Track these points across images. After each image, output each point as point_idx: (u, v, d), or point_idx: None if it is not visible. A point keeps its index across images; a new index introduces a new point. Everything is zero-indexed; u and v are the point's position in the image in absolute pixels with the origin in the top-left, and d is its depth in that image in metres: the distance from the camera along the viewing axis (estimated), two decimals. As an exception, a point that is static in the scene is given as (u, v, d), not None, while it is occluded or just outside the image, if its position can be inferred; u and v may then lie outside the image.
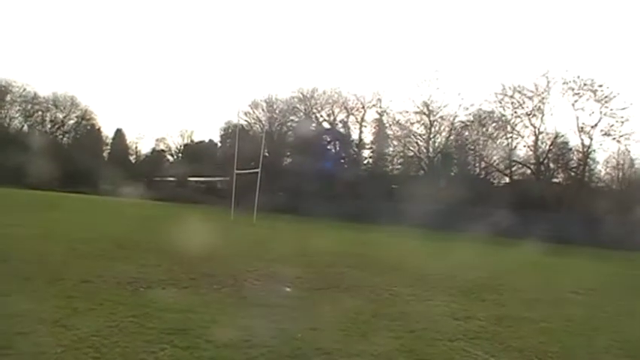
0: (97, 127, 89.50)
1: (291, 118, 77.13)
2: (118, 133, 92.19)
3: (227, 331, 9.11)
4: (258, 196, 47.63)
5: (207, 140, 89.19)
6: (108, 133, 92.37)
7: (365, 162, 73.34)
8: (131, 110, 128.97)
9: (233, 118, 78.99)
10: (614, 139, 55.81)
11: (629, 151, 56.85)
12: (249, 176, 52.32)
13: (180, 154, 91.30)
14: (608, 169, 60.76)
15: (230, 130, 75.38)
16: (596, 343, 10.61)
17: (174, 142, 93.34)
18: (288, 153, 75.68)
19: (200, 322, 9.43)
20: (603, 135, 55.92)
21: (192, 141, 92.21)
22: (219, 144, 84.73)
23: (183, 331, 8.79)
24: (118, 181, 78.96)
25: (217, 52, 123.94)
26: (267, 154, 64.64)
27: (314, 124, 75.21)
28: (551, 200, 53.72)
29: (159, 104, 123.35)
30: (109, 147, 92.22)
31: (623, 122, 54.33)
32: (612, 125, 54.97)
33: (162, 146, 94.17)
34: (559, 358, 9.26)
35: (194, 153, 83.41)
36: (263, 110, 78.33)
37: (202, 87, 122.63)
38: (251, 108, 77.74)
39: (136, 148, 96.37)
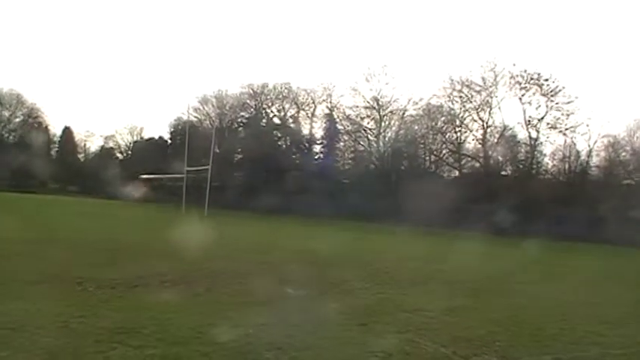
0: (44, 126, 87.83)
1: (242, 113, 76.86)
2: (66, 131, 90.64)
3: (178, 328, 9.10)
4: (209, 192, 47.46)
5: (157, 137, 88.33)
6: (56, 131, 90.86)
7: (316, 157, 73.41)
8: (79, 108, 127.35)
9: (183, 114, 78.50)
10: (560, 131, 57.01)
11: (574, 144, 57.93)
12: (201, 173, 52.18)
13: (129, 152, 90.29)
14: (555, 162, 61.87)
15: (180, 127, 74.79)
16: (541, 332, 10.83)
17: (124, 139, 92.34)
18: (239, 149, 75.38)
19: (151, 321, 9.38)
20: (550, 128, 57.09)
21: (141, 138, 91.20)
22: (169, 141, 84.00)
23: (133, 330, 8.74)
24: (66, 179, 78.02)
25: (165, 46, 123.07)
26: (217, 151, 64.39)
27: (264, 120, 75.09)
28: (500, 192, 54.40)
29: (107, 101, 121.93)
30: (56, 145, 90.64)
31: (568, 115, 55.53)
32: (558, 118, 56.17)
33: (111, 144, 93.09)
34: (506, 347, 9.43)
35: (144, 150, 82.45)
36: (213, 106, 78.00)
37: (151, 83, 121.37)
38: (201, 104, 77.44)
39: (85, 146, 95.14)
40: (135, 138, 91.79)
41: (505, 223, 42.46)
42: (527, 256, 28.95)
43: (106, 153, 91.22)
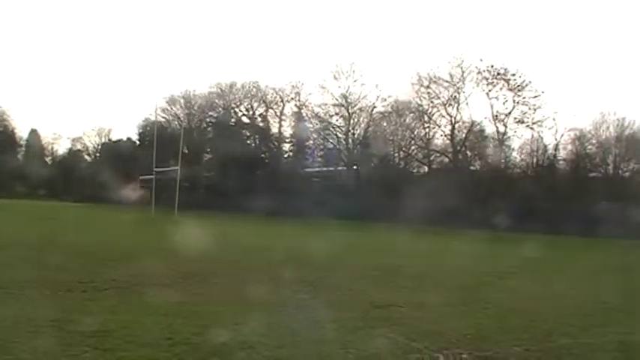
0: (10, 128, 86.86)
1: (210, 113, 76.71)
2: (33, 133, 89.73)
3: (148, 330, 9.06)
4: (178, 193, 47.29)
5: (125, 139, 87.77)
6: (22, 134, 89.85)
7: (285, 156, 73.47)
8: (45, 110, 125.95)
9: (151, 115, 78.10)
10: (527, 126, 57.62)
11: (542, 138, 58.54)
12: (170, 174, 51.96)
13: (98, 154, 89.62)
14: (522, 156, 62.51)
15: (148, 128, 74.41)
16: (511, 324, 10.95)
17: (92, 141, 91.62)
18: (208, 149, 75.20)
19: (121, 324, 9.31)
20: (517, 122, 57.69)
21: (110, 140, 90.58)
22: (137, 142, 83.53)
23: (104, 333, 8.68)
24: (35, 184, 77.22)
25: (131, 47, 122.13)
26: (186, 151, 64.17)
27: (233, 119, 74.95)
28: (470, 187, 54.84)
29: (74, 103, 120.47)
30: (23, 148, 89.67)
31: (535, 110, 56.15)
32: (525, 113, 56.79)
33: (79, 146, 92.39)
34: (475, 339, 9.52)
35: (112, 152, 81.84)
36: (181, 106, 77.64)
37: (118, 84, 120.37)
38: (168, 104, 77.00)
39: (52, 148, 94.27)
40: (103, 140, 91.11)
41: (484, 219, 42.87)
42: (498, 250, 29.20)
43: (74, 155, 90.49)
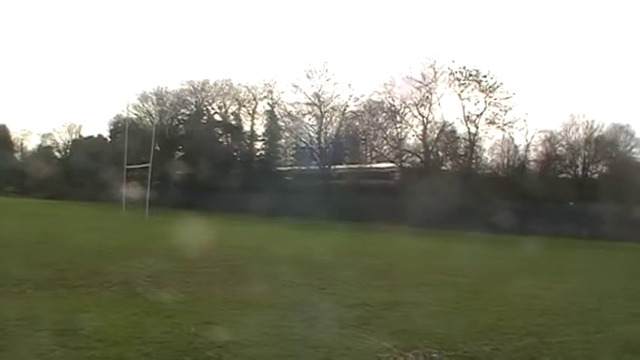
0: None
1: (182, 110, 76.46)
2: (2, 129, 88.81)
3: (119, 329, 9.00)
4: (149, 191, 47.03)
5: (96, 135, 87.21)
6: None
7: (258, 154, 73.38)
8: (15, 105, 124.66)
9: (122, 111, 77.65)
10: (498, 127, 58.05)
11: (512, 139, 59.03)
12: (141, 171, 51.67)
13: (68, 150, 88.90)
14: (494, 156, 63.04)
15: (120, 125, 74.09)
16: (480, 323, 11.04)
17: (62, 137, 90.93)
18: (180, 147, 74.94)
19: (91, 322, 9.25)
20: (488, 123, 58.09)
21: (80, 136, 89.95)
22: (109, 139, 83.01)
23: (73, 332, 8.62)
24: (2, 179, 76.37)
25: (104, 42, 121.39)
26: (158, 148, 63.85)
27: (205, 117, 74.74)
28: (441, 187, 55.17)
29: (44, 99, 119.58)
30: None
31: (506, 111, 56.58)
32: (496, 114, 57.18)
33: (49, 142, 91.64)
34: (446, 338, 9.58)
35: (83, 149, 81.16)
36: (153, 103, 77.34)
37: (89, 80, 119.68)
38: (140, 101, 76.70)
39: (22, 144, 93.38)
40: (74, 136, 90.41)
41: (455, 219, 43.13)
42: (468, 249, 29.35)
43: (44, 152, 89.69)
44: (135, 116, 76.05)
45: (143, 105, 77.17)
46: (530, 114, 59.09)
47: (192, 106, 75.38)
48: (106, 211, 48.88)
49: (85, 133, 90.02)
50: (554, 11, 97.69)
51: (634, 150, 64.55)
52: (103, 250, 19.26)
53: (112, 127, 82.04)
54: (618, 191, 45.54)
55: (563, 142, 62.21)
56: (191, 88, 74.67)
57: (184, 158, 71.79)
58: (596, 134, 62.76)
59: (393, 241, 31.16)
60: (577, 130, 62.92)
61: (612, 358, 9.29)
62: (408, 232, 36.89)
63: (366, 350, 8.81)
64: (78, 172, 69.19)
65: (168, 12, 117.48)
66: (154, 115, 76.30)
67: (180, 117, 76.89)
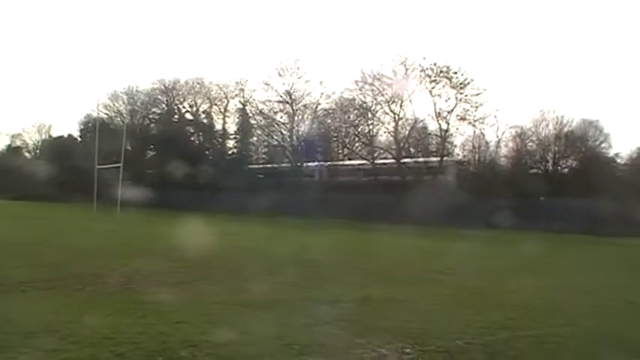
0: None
1: (153, 109, 76.21)
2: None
3: (92, 330, 8.95)
4: (121, 190, 46.76)
5: (66, 135, 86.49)
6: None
7: (230, 152, 73.25)
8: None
9: (93, 111, 77.16)
10: (469, 123, 58.39)
11: (483, 135, 59.40)
12: (113, 171, 51.38)
13: (38, 151, 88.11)
14: (465, 152, 63.45)
15: (90, 124, 73.59)
16: (455, 318, 11.12)
17: (32, 138, 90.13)
18: (152, 146, 74.60)
19: (64, 324, 9.17)
20: (459, 119, 58.39)
21: (50, 136, 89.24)
22: (79, 139, 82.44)
23: (46, 334, 8.56)
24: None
25: (73, 40, 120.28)
26: (129, 148, 63.54)
27: (177, 116, 74.50)
28: (413, 183, 55.48)
29: (13, 98, 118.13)
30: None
31: (477, 107, 56.87)
32: (467, 110, 57.44)
33: (18, 142, 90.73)
34: (420, 334, 9.63)
35: (53, 149, 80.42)
36: (124, 102, 77.05)
37: (58, 79, 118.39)
38: (111, 100, 76.39)
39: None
40: (43, 136, 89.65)
41: (427, 215, 43.26)
42: (439, 245, 29.53)
43: (13, 152, 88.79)
44: (105, 116, 75.84)
45: (114, 104, 76.94)
46: (500, 110, 59.56)
47: (164, 105, 75.16)
48: (77, 212, 48.48)
49: (55, 133, 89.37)
50: (523, 8, 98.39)
51: (603, 145, 65.41)
52: (75, 250, 19.10)
53: (82, 127, 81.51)
54: (588, 186, 46.04)
55: (534, 138, 62.87)
56: (162, 87, 74.48)
57: (156, 157, 71.54)
58: (565, 129, 63.47)
59: (367, 238, 31.25)
60: (547, 125, 63.66)
61: (581, 351, 9.39)
62: (383, 229, 37.01)
63: (339, 347, 8.84)
64: (48, 172, 68.60)
65: (138, 10, 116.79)
66: (124, 115, 76.01)
67: (151, 116, 76.62)
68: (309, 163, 66.69)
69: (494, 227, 40.02)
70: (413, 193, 45.81)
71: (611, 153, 64.16)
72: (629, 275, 20.44)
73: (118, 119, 75.40)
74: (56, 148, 78.77)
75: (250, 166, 71.37)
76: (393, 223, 40.06)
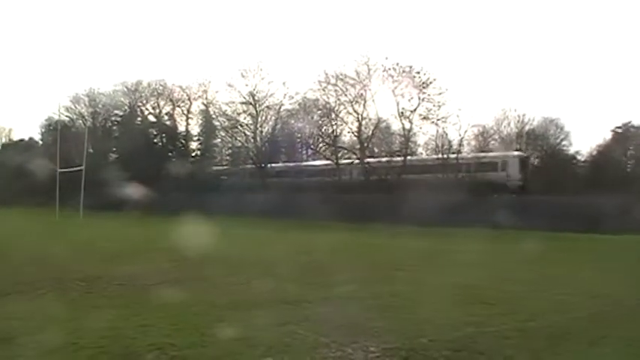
0: None
1: (116, 112, 75.62)
2: None
3: (54, 336, 8.89)
4: (83, 194, 46.34)
5: (27, 138, 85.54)
6: None
7: (193, 154, 72.96)
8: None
9: (54, 114, 76.35)
10: (432, 122, 58.50)
11: (446, 134, 59.69)
12: (75, 174, 50.88)
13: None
14: (428, 151, 63.84)
15: (52, 127, 72.84)
16: (418, 315, 11.20)
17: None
18: (114, 148, 74.00)
19: (25, 330, 9.11)
20: (422, 119, 58.43)
21: (10, 140, 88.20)
22: (40, 142, 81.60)
23: (5, 341, 8.49)
24: None
25: (33, 42, 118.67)
26: (91, 151, 63.01)
27: (139, 118, 74.03)
28: (376, 183, 55.74)
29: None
30: None
31: (439, 106, 56.95)
32: (430, 109, 57.50)
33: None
34: (384, 332, 9.70)
35: (14, 152, 79.43)
36: (85, 105, 76.24)
37: (19, 82, 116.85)
38: (72, 103, 75.51)
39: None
40: (3, 140, 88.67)
41: (390, 214, 43.40)
42: (400, 243, 29.65)
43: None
44: (67, 118, 74.98)
45: (75, 107, 76.06)
46: (463, 109, 59.94)
47: (126, 107, 74.54)
48: (39, 215, 47.91)
49: (15, 137, 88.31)
50: (484, 7, 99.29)
51: (564, 143, 66.37)
52: (35, 256, 18.90)
53: (43, 130, 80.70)
54: (549, 183, 46.60)
55: (496, 136, 63.70)
56: (124, 88, 73.69)
57: (119, 160, 70.97)
58: (527, 128, 64.45)
59: (329, 238, 31.23)
60: (509, 124, 64.58)
61: (545, 345, 9.50)
62: (345, 227, 37.13)
63: (304, 346, 8.87)
64: (8, 176, 67.69)
65: (98, 12, 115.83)
66: (86, 117, 75.26)
67: (113, 118, 75.93)
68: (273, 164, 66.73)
69: (456, 225, 40.21)
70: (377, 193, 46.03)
71: (572, 151, 65.23)
72: (591, 269, 20.64)
73: (80, 122, 74.66)
74: (16, 152, 77.88)
75: (214, 168, 71.16)
76: (361, 223, 40.22)
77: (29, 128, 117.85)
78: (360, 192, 52.31)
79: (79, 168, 51.25)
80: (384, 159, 60.82)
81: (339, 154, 63.57)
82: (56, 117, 72.36)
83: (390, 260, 21.14)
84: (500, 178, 51.86)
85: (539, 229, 36.40)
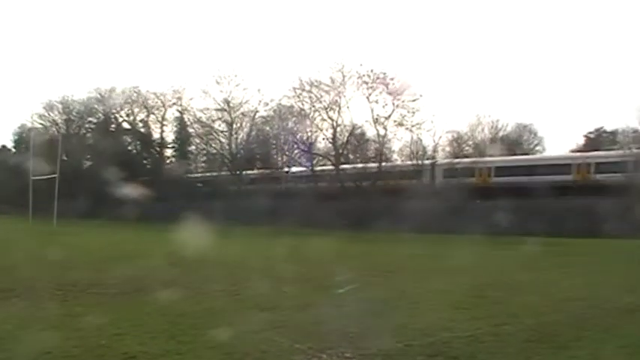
0: None
1: (90, 119, 75.19)
2: None
3: (27, 345, 8.83)
4: (57, 202, 45.99)
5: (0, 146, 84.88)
6: None
7: (168, 162, 72.73)
8: None
9: (27, 121, 75.86)
10: (406, 128, 58.72)
11: (421, 140, 59.95)
12: (49, 182, 50.51)
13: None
14: (403, 157, 64.08)
15: (24, 135, 72.36)
16: (393, 321, 11.25)
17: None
18: (88, 156, 73.54)
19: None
20: (397, 125, 58.62)
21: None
22: (13, 150, 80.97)
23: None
24: None
25: (5, 50, 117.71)
26: (65, 158, 62.57)
27: (113, 125, 73.67)
28: (352, 189, 55.88)
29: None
30: None
31: (414, 113, 57.18)
32: (404, 116, 57.70)
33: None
34: (359, 338, 9.72)
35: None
36: (59, 112, 75.64)
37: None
38: (46, 110, 74.95)
39: None
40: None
41: (366, 219, 43.53)
42: (372, 249, 29.72)
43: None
44: (40, 126, 74.47)
45: (49, 114, 75.48)
46: (437, 115, 60.44)
47: (100, 115, 74.18)
48: (11, 224, 47.46)
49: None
50: (458, 15, 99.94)
51: (537, 148, 66.98)
52: (7, 264, 18.73)
53: (16, 138, 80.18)
54: (521, 189, 46.92)
55: (470, 142, 64.05)
56: (98, 95, 73.28)
57: (93, 167, 70.56)
58: (501, 134, 64.99)
59: (303, 245, 31.19)
60: (483, 130, 65.16)
61: (519, 349, 9.57)
62: (326, 234, 37.11)
63: (280, 353, 8.88)
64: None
65: (71, 18, 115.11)
66: (60, 125, 74.67)
67: (87, 126, 75.52)
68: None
69: (431, 231, 40.35)
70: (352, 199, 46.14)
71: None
72: (574, 274, 20.72)
73: (54, 129, 74.05)
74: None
75: (189, 175, 70.97)
76: (336, 229, 40.25)
77: (1, 136, 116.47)
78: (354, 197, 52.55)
79: (53, 175, 50.81)
80: (359, 165, 60.93)
81: (315, 161, 63.63)
82: (29, 124, 71.97)
83: (358, 266, 21.13)
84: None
85: (508, 233, 36.78)
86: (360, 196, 53.79)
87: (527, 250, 27.23)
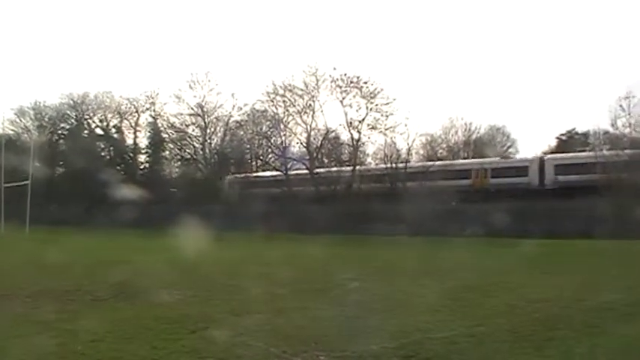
0: None
1: (62, 125, 74.52)
2: None
3: (7, 350, 8.82)
4: (29, 209, 45.61)
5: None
6: None
7: (141, 167, 72.36)
8: None
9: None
10: (380, 132, 58.78)
11: (395, 143, 60.06)
12: (21, 188, 50.10)
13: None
14: (377, 161, 64.21)
15: (-5, 141, 71.67)
16: (367, 323, 11.31)
17: None
18: (61, 162, 72.98)
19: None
20: (370, 128, 58.69)
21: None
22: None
23: None
24: None
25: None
26: (38, 165, 62.09)
27: (86, 131, 73.18)
28: (327, 194, 55.91)
29: None
30: None
31: (387, 116, 57.28)
32: (378, 119, 57.77)
33: None
34: (334, 341, 9.79)
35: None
36: (31, 118, 74.90)
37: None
38: (17, 116, 74.18)
39: None
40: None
41: (340, 224, 43.63)
42: (344, 252, 29.78)
43: None
44: (12, 132, 73.64)
45: (20, 120, 74.74)
46: (410, 118, 60.08)
47: (73, 120, 73.50)
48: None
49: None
50: (430, 18, 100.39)
51: (510, 150, 67.47)
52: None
53: (-14, 144, 79.35)
54: (496, 191, 47.34)
55: (444, 145, 64.35)
56: (71, 101, 72.70)
57: (66, 174, 70.07)
58: (474, 136, 65.42)
59: (277, 249, 31.23)
60: (456, 132, 65.50)
61: (493, 349, 9.66)
62: (291, 238, 37.16)
63: (256, 357, 8.92)
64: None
65: (42, 22, 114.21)
66: (32, 131, 73.99)
67: (60, 132, 74.77)
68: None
69: (407, 234, 40.49)
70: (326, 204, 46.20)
71: (518, 158, 66.18)
72: (552, 274, 20.84)
73: (25, 136, 73.38)
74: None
75: (167, 179, 70.74)
76: (309, 234, 40.27)
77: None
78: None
79: (25, 182, 50.40)
80: (333, 169, 61.02)
81: (289, 165, 63.60)
82: (0, 131, 71.30)
83: (332, 269, 21.18)
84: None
85: (481, 235, 37.05)
86: (349, 199, 53.93)
87: (514, 251, 27.45)
